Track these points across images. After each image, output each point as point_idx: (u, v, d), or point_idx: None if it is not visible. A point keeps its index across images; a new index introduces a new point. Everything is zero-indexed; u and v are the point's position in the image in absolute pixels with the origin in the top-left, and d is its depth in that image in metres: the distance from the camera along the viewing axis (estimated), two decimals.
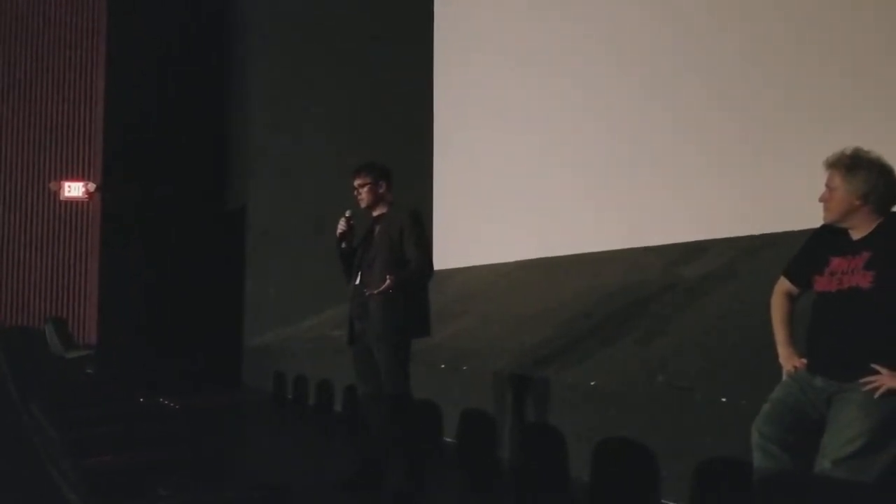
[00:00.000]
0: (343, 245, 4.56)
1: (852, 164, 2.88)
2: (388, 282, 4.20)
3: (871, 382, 2.70)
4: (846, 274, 2.87)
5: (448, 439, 5.90)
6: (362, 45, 10.73)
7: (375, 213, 4.58)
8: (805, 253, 3.10)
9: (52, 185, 12.17)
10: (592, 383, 4.75)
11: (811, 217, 3.13)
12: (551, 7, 8.07)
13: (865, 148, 2.92)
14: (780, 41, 5.59)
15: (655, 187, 6.56)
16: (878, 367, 2.70)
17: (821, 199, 2.96)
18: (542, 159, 7.96)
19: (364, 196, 4.53)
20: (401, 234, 4.38)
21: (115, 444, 3.18)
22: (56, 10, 12.42)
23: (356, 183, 4.55)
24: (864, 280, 2.80)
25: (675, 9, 6.54)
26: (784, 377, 3.04)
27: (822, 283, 2.95)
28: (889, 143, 3.00)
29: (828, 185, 2.94)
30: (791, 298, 3.14)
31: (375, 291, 4.25)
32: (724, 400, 3.84)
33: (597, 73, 7.30)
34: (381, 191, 4.53)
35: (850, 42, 5.11)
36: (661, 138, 6.53)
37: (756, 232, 5.59)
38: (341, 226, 4.54)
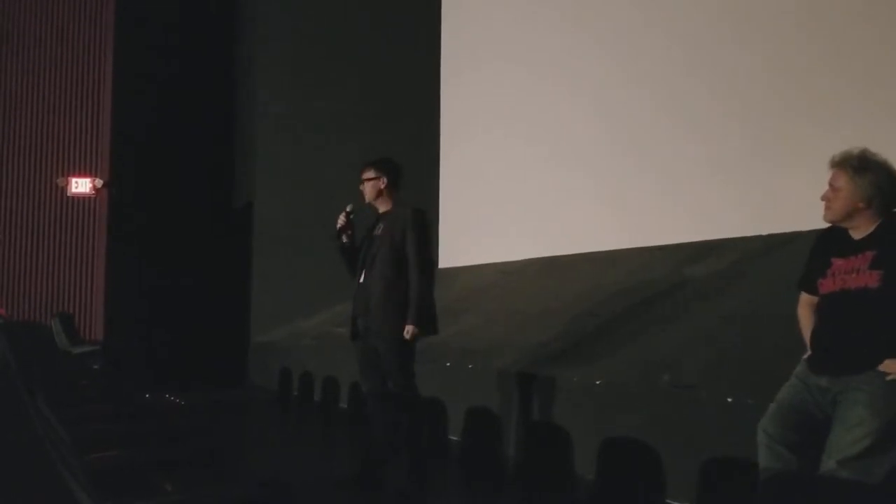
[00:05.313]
0: (344, 240, 4.57)
1: (860, 167, 2.84)
2: (410, 330, 4.29)
3: (889, 373, 2.67)
4: (848, 274, 2.85)
5: (453, 437, 5.90)
6: (370, 45, 10.73)
7: (381, 210, 4.58)
8: (810, 262, 3.08)
9: (60, 181, 12.20)
10: (598, 382, 4.74)
11: (819, 218, 3.11)
12: (556, 10, 8.07)
13: (870, 149, 2.89)
14: (788, 41, 5.57)
15: (663, 187, 6.54)
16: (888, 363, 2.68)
17: (823, 198, 2.92)
18: (549, 158, 7.95)
19: (367, 190, 4.55)
20: (403, 233, 4.39)
21: (120, 440, 3.18)
22: (64, 7, 12.45)
23: (362, 176, 4.57)
24: (871, 280, 2.78)
25: (682, 15, 6.52)
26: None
27: (825, 286, 2.94)
28: (893, 144, 2.97)
29: (831, 185, 2.90)
30: (813, 307, 3.09)
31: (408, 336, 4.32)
32: (729, 400, 3.83)
33: (603, 74, 7.29)
34: (381, 187, 4.53)
35: (857, 42, 5.09)
36: (669, 138, 6.52)
37: (764, 232, 5.58)
38: (340, 220, 4.56)
